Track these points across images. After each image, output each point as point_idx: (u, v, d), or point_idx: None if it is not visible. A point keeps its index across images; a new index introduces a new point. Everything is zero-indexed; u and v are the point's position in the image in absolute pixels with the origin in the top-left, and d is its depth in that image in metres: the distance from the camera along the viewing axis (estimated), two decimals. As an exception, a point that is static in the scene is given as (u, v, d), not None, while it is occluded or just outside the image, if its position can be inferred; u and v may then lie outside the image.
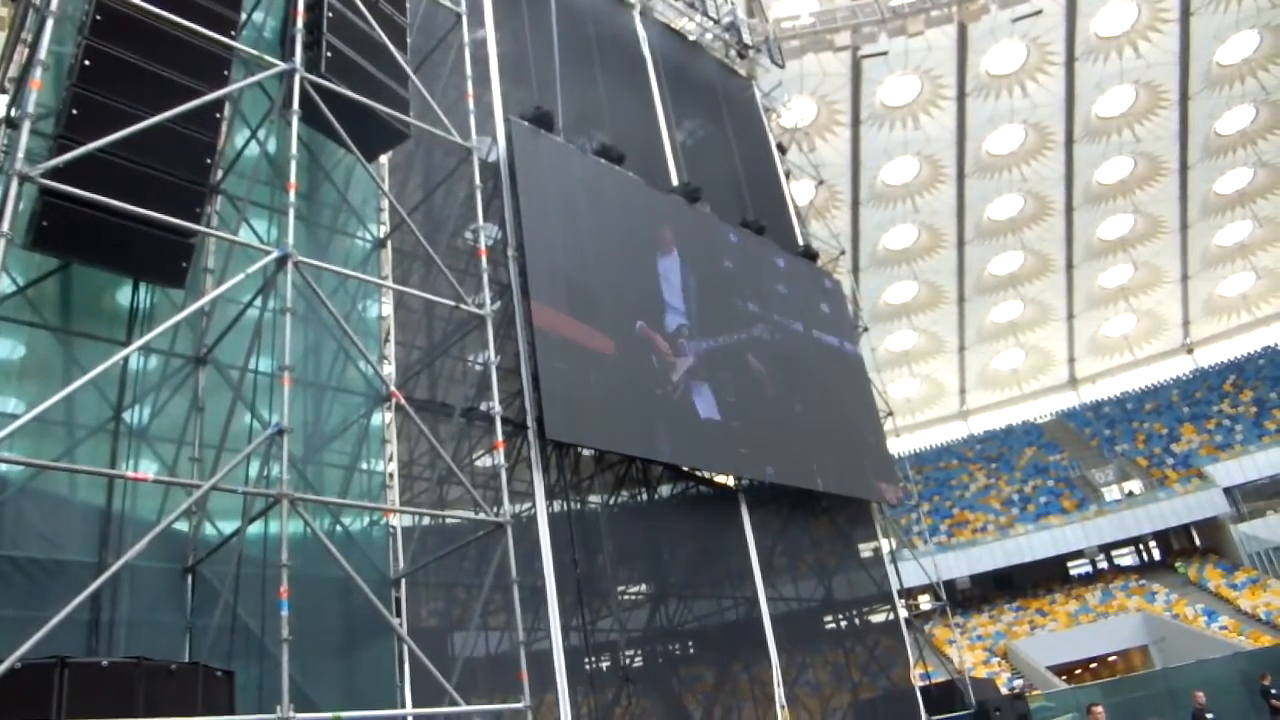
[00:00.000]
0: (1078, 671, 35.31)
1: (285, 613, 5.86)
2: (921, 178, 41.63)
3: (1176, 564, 39.16)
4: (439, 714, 7.89)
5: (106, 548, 7.35)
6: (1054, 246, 45.86)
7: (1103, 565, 42.47)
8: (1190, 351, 51.51)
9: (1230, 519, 37.44)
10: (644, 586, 13.73)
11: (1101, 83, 38.12)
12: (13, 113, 7.97)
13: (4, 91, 8.85)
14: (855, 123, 38.34)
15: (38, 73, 6.22)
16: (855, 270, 42.28)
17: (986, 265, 46.66)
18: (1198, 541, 40.39)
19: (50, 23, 6.42)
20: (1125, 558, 42.72)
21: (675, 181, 15.71)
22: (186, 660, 7.06)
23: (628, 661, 12.36)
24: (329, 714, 6.35)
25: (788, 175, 20.75)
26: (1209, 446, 41.14)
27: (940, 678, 18.85)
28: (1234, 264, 47.78)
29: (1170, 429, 44.44)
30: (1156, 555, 41.79)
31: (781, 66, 23.08)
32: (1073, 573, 42.49)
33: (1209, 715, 14.45)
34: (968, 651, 31.54)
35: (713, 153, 18.22)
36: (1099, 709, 12.79)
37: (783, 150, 21.12)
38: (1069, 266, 46.90)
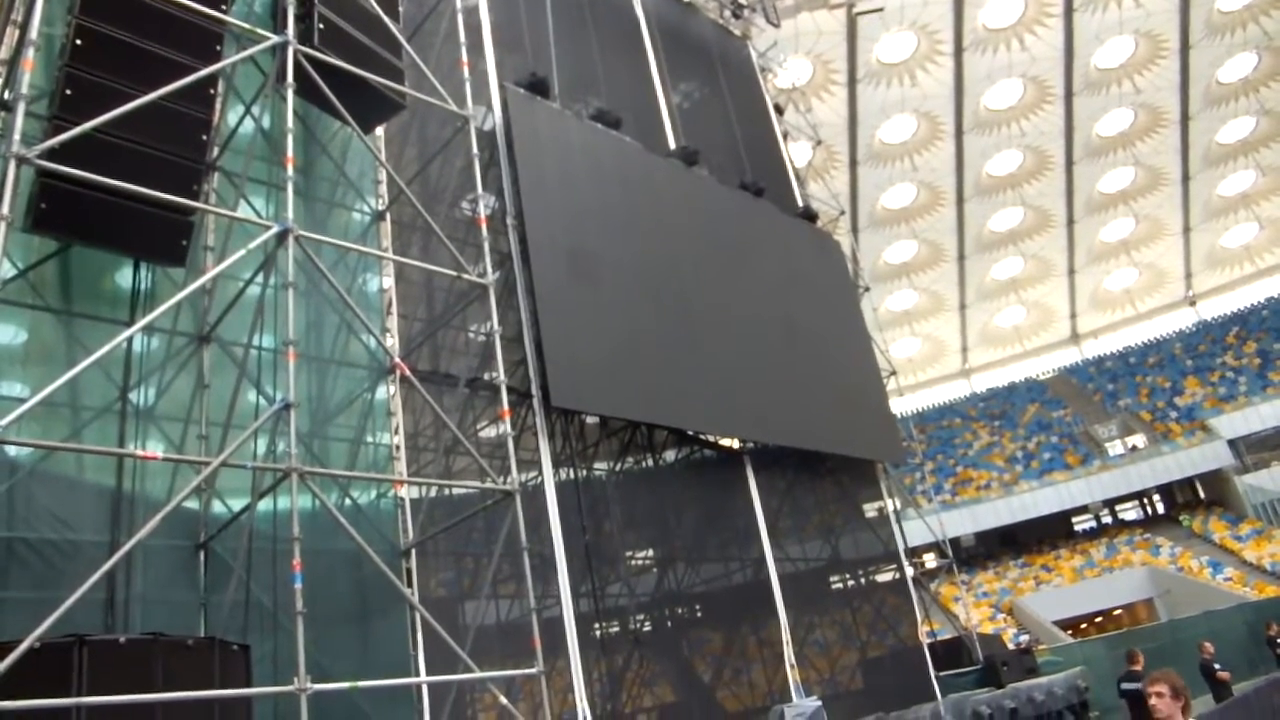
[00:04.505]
0: (1083, 626, 35.72)
1: (298, 585, 5.91)
2: (919, 135, 41.28)
3: (1181, 517, 39.41)
4: (453, 681, 8.00)
5: (119, 527, 7.42)
6: (1054, 201, 45.58)
7: (1107, 520, 42.76)
8: (1193, 304, 51.38)
9: (1234, 471, 37.61)
10: (652, 551, 13.85)
11: (1100, 33, 37.63)
12: (6, 95, 7.90)
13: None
14: (852, 81, 37.93)
15: (29, 53, 6.15)
16: (854, 230, 42.06)
17: (986, 222, 46.43)
18: (1202, 494, 40.62)
19: (40, 2, 6.34)
20: (1129, 512, 43.00)
21: (673, 145, 15.58)
22: (202, 635, 7.14)
23: (637, 626, 12.51)
24: (345, 684, 6.44)
25: (785, 136, 20.57)
26: (1213, 399, 41.21)
27: (947, 635, 19.07)
28: (1237, 215, 47.51)
29: (1174, 382, 44.49)
30: (1161, 509, 42.05)
31: (776, 26, 22.79)
32: (1077, 528, 42.79)
33: (1217, 666, 14.56)
34: (974, 608, 31.86)
35: (710, 115, 18.05)
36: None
37: (780, 111, 20.91)
38: (1070, 221, 46.65)
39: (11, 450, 6.81)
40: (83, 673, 5.04)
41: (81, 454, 7.52)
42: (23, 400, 6.08)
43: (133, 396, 7.99)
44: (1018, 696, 14.55)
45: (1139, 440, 42.07)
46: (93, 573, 5.35)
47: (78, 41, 6.77)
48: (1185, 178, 44.64)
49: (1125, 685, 12.27)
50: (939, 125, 40.75)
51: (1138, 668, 12.30)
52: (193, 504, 7.92)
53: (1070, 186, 44.70)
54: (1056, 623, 32.94)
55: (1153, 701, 4.34)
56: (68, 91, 6.68)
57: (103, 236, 7.37)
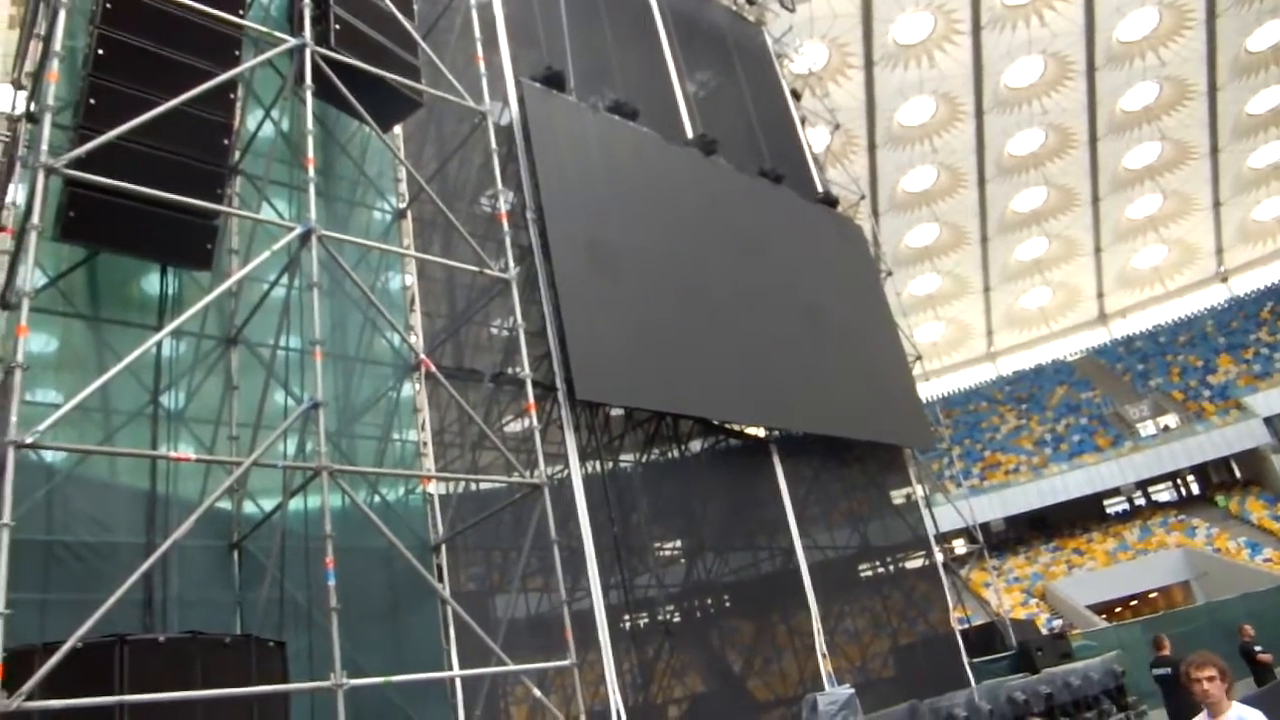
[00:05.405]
0: (1118, 610, 35.31)
1: (332, 583, 5.98)
2: (938, 117, 40.84)
3: (1217, 497, 38.79)
4: (486, 675, 8.06)
5: (154, 529, 7.53)
6: (1078, 180, 44.94)
7: (1140, 502, 42.20)
8: (1225, 279, 50.48)
9: (1272, 449, 36.89)
10: (680, 542, 13.86)
11: (1122, 6, 37.00)
12: (32, 107, 8.03)
13: (22, 88, 8.91)
14: (868, 64, 37.59)
15: (54, 64, 6.25)
16: (875, 214, 41.71)
17: (1009, 203, 45.88)
18: (1238, 474, 39.96)
19: (63, 13, 6.43)
20: (1162, 493, 42.41)
21: (690, 134, 15.53)
22: (238, 633, 7.24)
23: (667, 617, 12.53)
24: (381, 679, 6.50)
25: (803, 122, 20.43)
26: (1247, 376, 40.51)
27: (979, 621, 18.93)
28: (1269, 187, 46.58)
29: (1206, 360, 43.79)
30: (1195, 489, 41.43)
31: (791, 10, 22.61)
32: (1109, 511, 42.28)
33: (1258, 648, 14.36)
34: (1005, 594, 31.59)
35: (726, 103, 17.97)
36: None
37: (796, 96, 20.77)
38: (1094, 199, 45.97)
39: (48, 455, 6.93)
40: (124, 672, 5.13)
41: (115, 457, 7.63)
42: (57, 406, 6.18)
43: (164, 400, 8.11)
44: (1053, 681, 14.43)
45: (1171, 420, 41.46)
46: (130, 574, 5.43)
47: (100, 52, 6.87)
48: (1214, 150, 43.81)
49: (1157, 670, 12.23)
50: (958, 106, 40.29)
51: (1166, 653, 12.24)
52: (225, 504, 8.02)
53: (1094, 164, 44.04)
54: (1090, 607, 32.58)
55: (1205, 686, 4.34)
56: (91, 101, 6.78)
57: (130, 243, 7.48)
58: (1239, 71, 40.16)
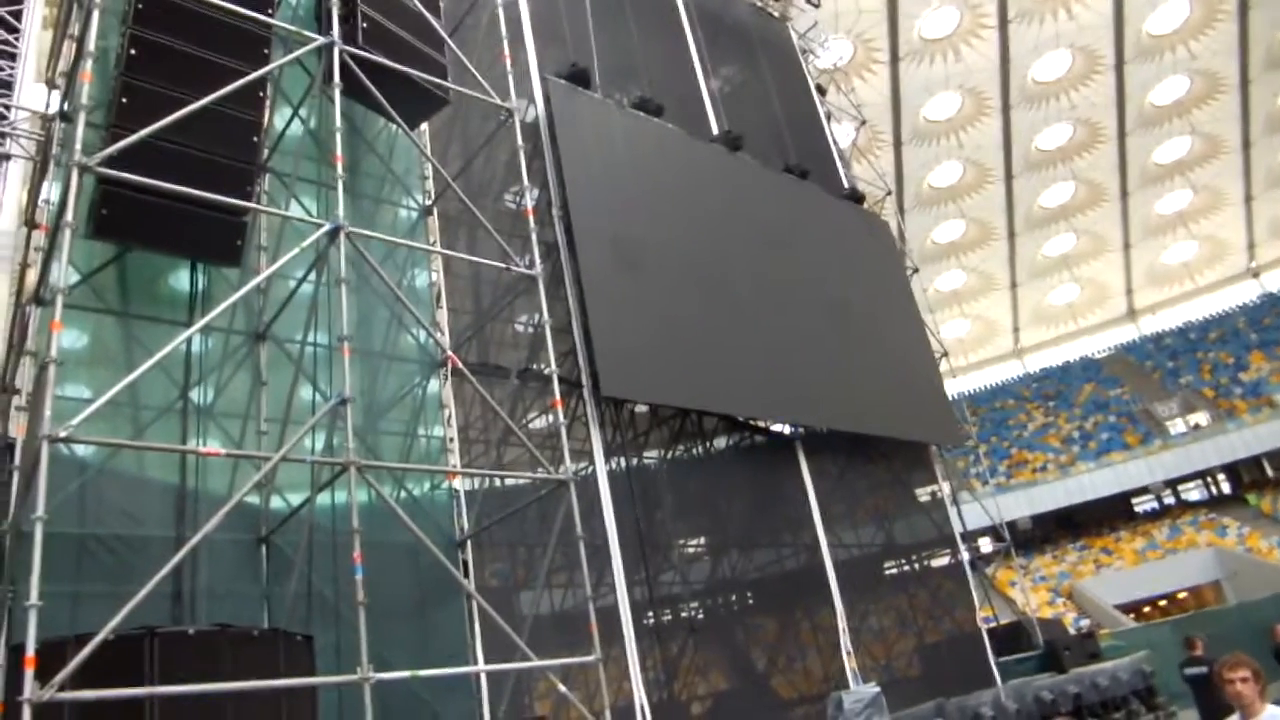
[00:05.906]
0: (1146, 610, 34.84)
1: (360, 577, 6.00)
2: (965, 112, 40.42)
3: (1248, 496, 38.16)
4: (512, 670, 8.08)
5: (183, 522, 7.62)
6: (1107, 175, 44.31)
7: (1169, 501, 41.60)
8: (1256, 275, 49.59)
9: (1305, 448, 36.27)
10: (704, 539, 13.83)
11: (1153, -2, 36.46)
12: (66, 106, 8.13)
13: (55, 87, 9.03)
14: (894, 59, 37.27)
15: (88, 64, 6.32)
16: (900, 211, 41.37)
17: (1036, 198, 45.33)
18: (1270, 472, 39.29)
19: (96, 14, 6.50)
20: (1192, 492, 41.77)
21: (715, 130, 15.48)
22: (266, 627, 7.30)
23: (691, 614, 12.51)
24: (408, 673, 6.53)
25: (829, 117, 20.30)
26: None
27: (1004, 620, 18.74)
28: (1302, 182, 45.70)
29: (1237, 357, 43.08)
30: (1226, 488, 40.77)
31: (816, 6, 22.47)
32: (1138, 509, 41.71)
33: (1291, 649, 14.09)
34: (1032, 593, 31.24)
35: (751, 99, 17.90)
36: None
37: (822, 92, 20.64)
38: (1124, 195, 45.31)
39: (80, 450, 7.02)
40: (154, 664, 5.18)
41: (146, 452, 7.72)
42: (88, 402, 6.25)
43: (193, 395, 8.19)
44: (1081, 681, 14.26)
45: (1201, 418, 40.82)
46: (160, 567, 5.48)
47: (132, 52, 6.95)
48: (1245, 145, 43.04)
49: (1189, 671, 12.06)
50: (985, 101, 39.86)
51: (1199, 653, 12.06)
52: (254, 499, 8.08)
53: (1123, 159, 43.41)
54: (1118, 606, 32.16)
55: (1238, 687, 4.28)
56: (124, 100, 6.86)
57: (161, 240, 7.57)
58: (1271, 64, 39.40)
